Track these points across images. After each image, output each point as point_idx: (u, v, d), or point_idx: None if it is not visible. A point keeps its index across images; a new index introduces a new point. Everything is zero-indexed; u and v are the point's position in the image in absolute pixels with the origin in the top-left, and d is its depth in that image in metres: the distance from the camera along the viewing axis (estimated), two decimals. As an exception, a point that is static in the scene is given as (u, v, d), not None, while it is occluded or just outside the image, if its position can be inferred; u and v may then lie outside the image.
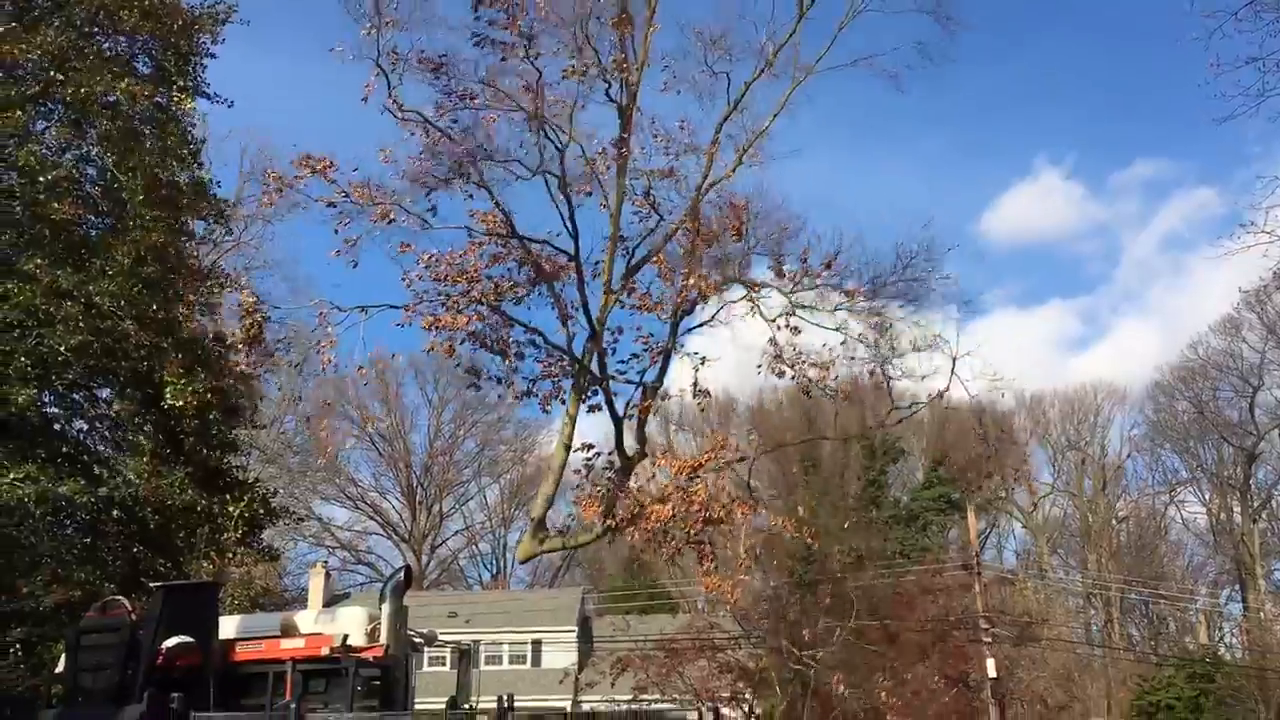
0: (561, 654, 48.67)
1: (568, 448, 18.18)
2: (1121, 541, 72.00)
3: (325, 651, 11.98)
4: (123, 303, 15.56)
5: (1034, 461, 75.05)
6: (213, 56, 20.29)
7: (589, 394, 17.86)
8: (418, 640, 14.01)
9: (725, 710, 34.09)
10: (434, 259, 16.02)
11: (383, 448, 75.41)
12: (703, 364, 19.96)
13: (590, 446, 19.44)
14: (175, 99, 19.28)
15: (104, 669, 11.91)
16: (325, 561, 56.29)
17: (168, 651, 12.02)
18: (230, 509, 16.72)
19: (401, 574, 13.20)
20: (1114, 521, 72.66)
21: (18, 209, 16.73)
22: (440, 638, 14.63)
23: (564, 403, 17.55)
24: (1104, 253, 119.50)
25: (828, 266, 18.42)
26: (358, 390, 68.30)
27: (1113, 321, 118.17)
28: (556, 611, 51.16)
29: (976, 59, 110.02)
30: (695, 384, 23.26)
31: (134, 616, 12.15)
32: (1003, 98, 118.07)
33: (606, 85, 17.05)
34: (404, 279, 16.07)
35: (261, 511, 18.09)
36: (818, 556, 37.71)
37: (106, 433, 17.27)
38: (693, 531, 17.23)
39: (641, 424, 18.89)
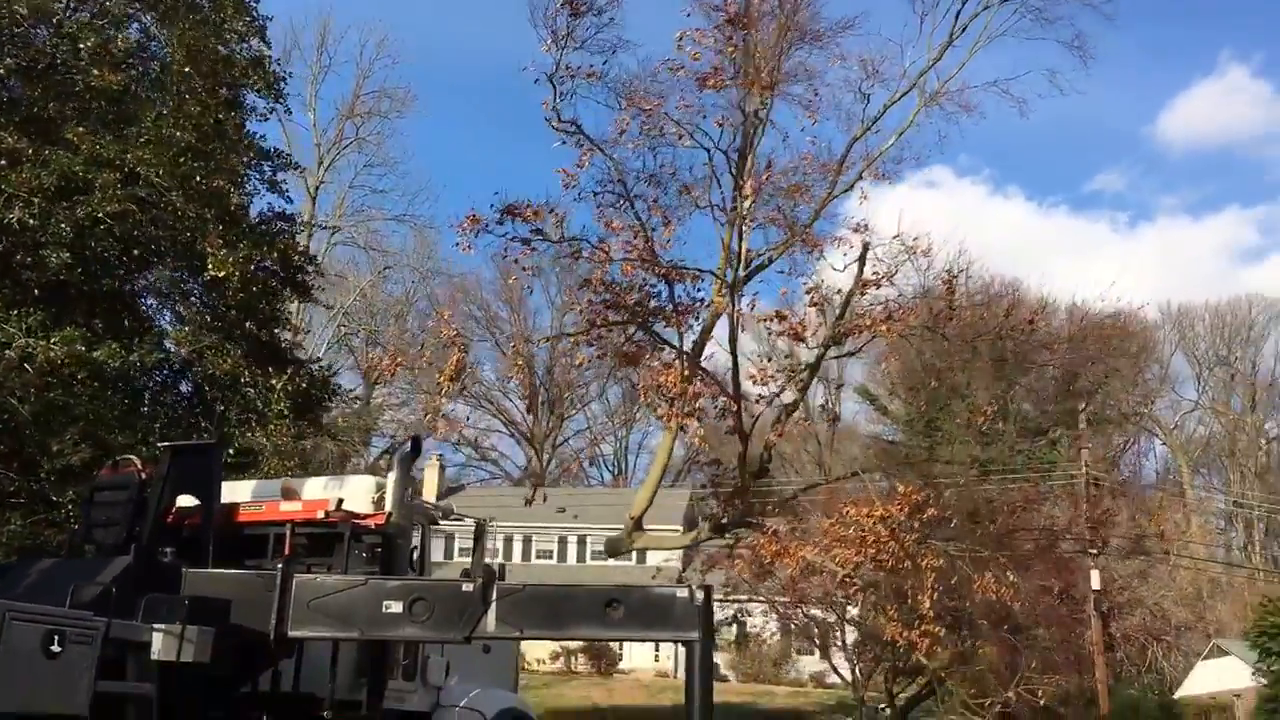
0: (668, 552, 48.98)
1: (670, 455, 18.86)
2: (1271, 461, 68.20)
3: (320, 515, 11.84)
4: (161, 171, 15.62)
5: (1176, 376, 71.46)
6: (272, -73, 20.00)
7: (724, 415, 18.46)
8: (434, 513, 13.79)
9: (816, 612, 33.74)
10: (603, 285, 17.33)
11: (506, 347, 76.67)
12: (838, 391, 21.69)
13: (717, 462, 20.20)
14: (231, -31, 19.06)
15: (114, 525, 12.03)
16: (441, 455, 57.54)
17: (179, 511, 12.05)
18: (274, 382, 16.88)
19: (409, 444, 12.94)
20: (1263, 441, 68.75)
21: (74, 77, 16.84)
22: (455, 510, 14.36)
23: (700, 422, 17.92)
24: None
25: (1031, 320, 20.82)
26: (482, 291, 69.39)
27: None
28: (663, 510, 51.41)
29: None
30: (826, 406, 24.64)
31: (144, 475, 12.19)
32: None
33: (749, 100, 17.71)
34: (576, 306, 18.53)
35: (309, 389, 18.25)
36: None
37: (153, 301, 17.67)
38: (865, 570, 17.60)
39: (771, 444, 19.53)
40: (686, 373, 16.97)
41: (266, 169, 20.09)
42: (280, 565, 10.77)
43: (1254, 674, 35.35)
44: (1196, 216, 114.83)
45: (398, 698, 12.15)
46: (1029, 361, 45.93)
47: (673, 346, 17.80)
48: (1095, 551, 30.80)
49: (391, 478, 12.40)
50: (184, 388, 18.75)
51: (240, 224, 17.40)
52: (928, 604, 17.86)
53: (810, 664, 43.48)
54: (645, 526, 20.81)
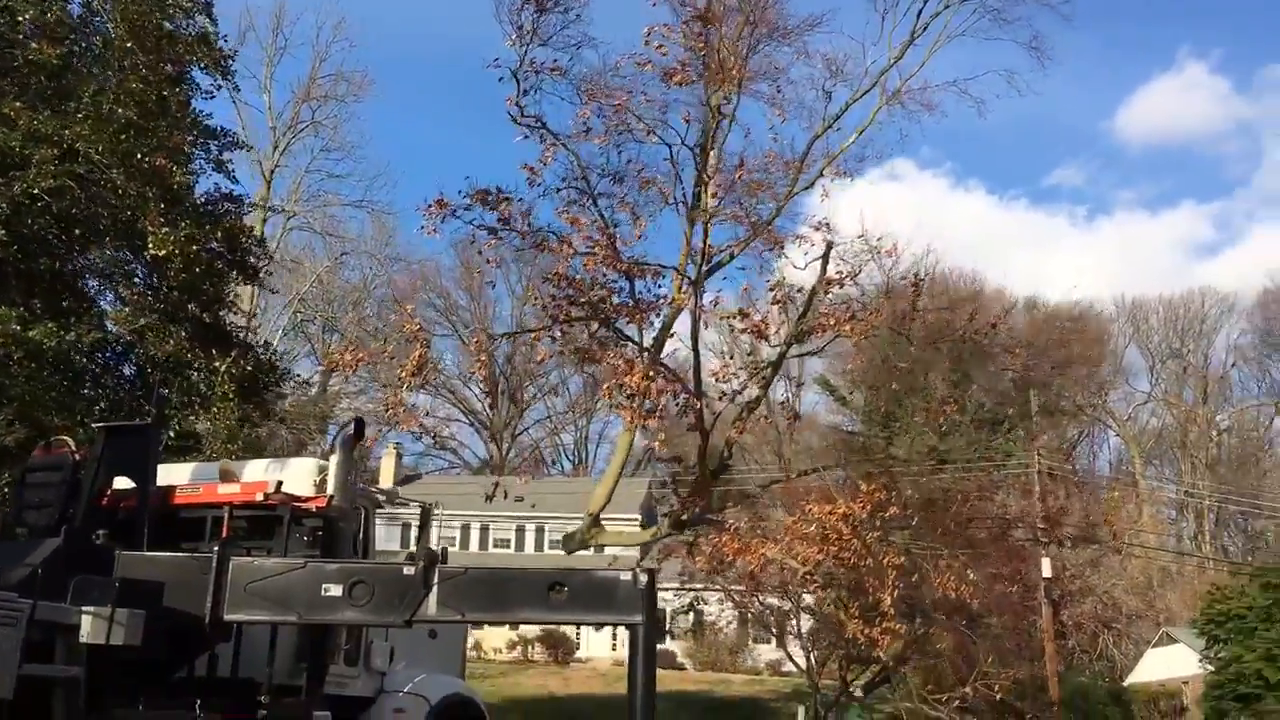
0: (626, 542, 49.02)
1: (628, 451, 19.69)
2: (1221, 453, 69.19)
3: (259, 497, 11.62)
4: (100, 147, 15.25)
5: (1130, 368, 72.39)
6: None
7: (686, 413, 18.16)
8: (378, 496, 13.60)
9: (773, 600, 33.79)
10: (566, 280, 17.00)
11: (466, 336, 76.21)
12: (799, 389, 22.14)
13: (677, 459, 20.23)
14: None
15: (46, 507, 11.74)
16: (398, 443, 57.14)
17: (115, 493, 11.78)
18: (217, 364, 16.55)
19: (352, 426, 12.68)
20: (1214, 433, 69.72)
21: (13, 51, 16.41)
22: (400, 495, 14.17)
23: (662, 419, 17.84)
24: (1246, 154, 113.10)
25: (994, 324, 21.43)
26: (441, 278, 68.94)
27: (1247, 228, 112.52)
28: (620, 500, 51.35)
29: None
30: (786, 403, 25.20)
31: (78, 456, 11.91)
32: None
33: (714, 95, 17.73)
34: (538, 301, 17.98)
35: (255, 372, 17.91)
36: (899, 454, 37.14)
37: (94, 282, 17.28)
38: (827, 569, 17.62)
39: (732, 441, 19.53)
40: (650, 371, 16.88)
41: (213, 148, 19.75)
42: (216, 547, 10.53)
43: (1201, 661, 35.78)
44: (1154, 211, 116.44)
45: (339, 683, 11.97)
46: (991, 363, 46.42)
47: (634, 343, 17.69)
48: (1047, 541, 31.06)
49: (334, 460, 12.17)
50: (126, 370, 18.40)
51: (183, 203, 17.03)
52: (889, 601, 17.85)
53: (767, 652, 43.60)
54: (603, 518, 20.70)
